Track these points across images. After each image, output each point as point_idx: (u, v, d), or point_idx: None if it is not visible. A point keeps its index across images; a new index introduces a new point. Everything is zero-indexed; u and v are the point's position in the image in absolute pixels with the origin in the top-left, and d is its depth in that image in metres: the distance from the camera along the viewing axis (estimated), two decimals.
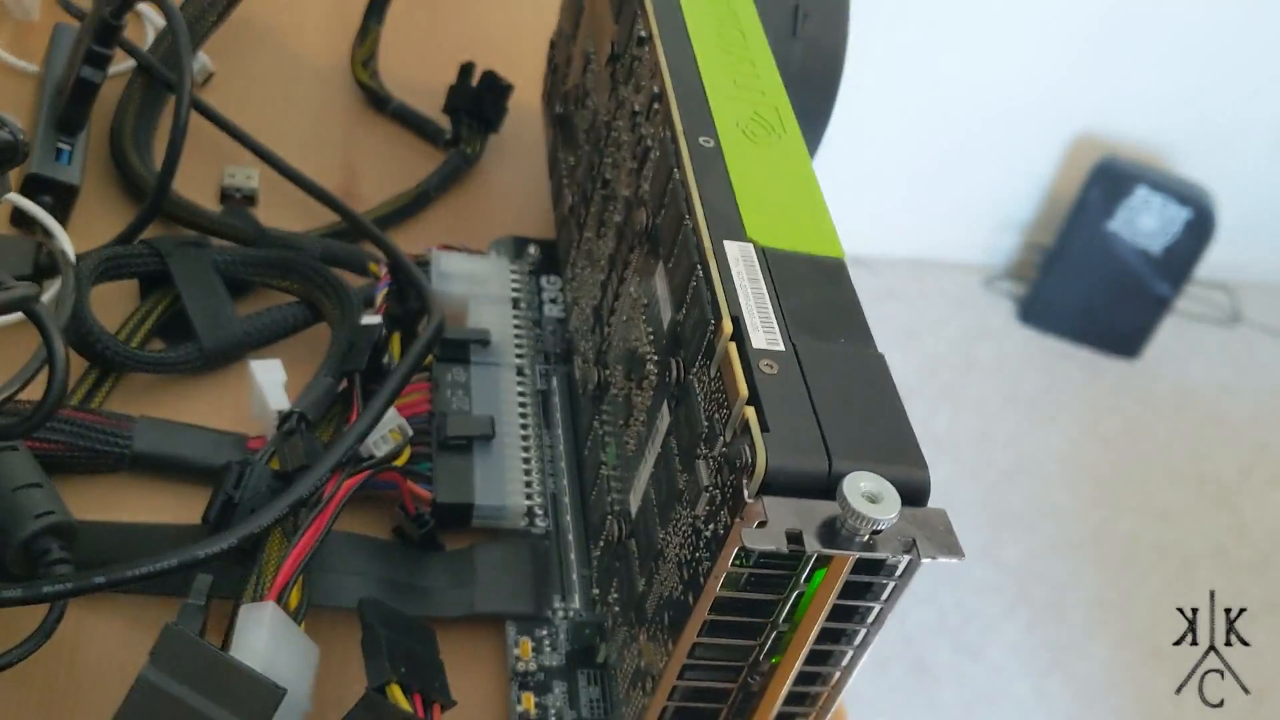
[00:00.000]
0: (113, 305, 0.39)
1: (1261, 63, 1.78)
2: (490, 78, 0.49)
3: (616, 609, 0.32)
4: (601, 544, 0.34)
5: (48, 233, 0.39)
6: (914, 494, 0.25)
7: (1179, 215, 1.76)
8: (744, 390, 0.25)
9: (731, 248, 0.28)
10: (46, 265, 0.38)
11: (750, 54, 0.35)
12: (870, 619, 0.26)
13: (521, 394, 0.39)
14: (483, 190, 0.48)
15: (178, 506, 0.35)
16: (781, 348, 0.26)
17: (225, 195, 0.45)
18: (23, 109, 0.44)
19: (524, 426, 0.38)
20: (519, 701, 0.33)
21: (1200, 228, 1.75)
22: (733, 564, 0.25)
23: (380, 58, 0.52)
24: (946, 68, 1.71)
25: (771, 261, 0.28)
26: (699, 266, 0.28)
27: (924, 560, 0.24)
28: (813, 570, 0.25)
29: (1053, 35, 1.71)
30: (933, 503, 0.25)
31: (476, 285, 0.42)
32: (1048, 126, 1.83)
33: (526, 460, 0.37)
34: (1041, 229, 1.92)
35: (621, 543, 0.32)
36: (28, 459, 0.31)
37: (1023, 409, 1.76)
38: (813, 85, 0.40)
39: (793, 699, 0.27)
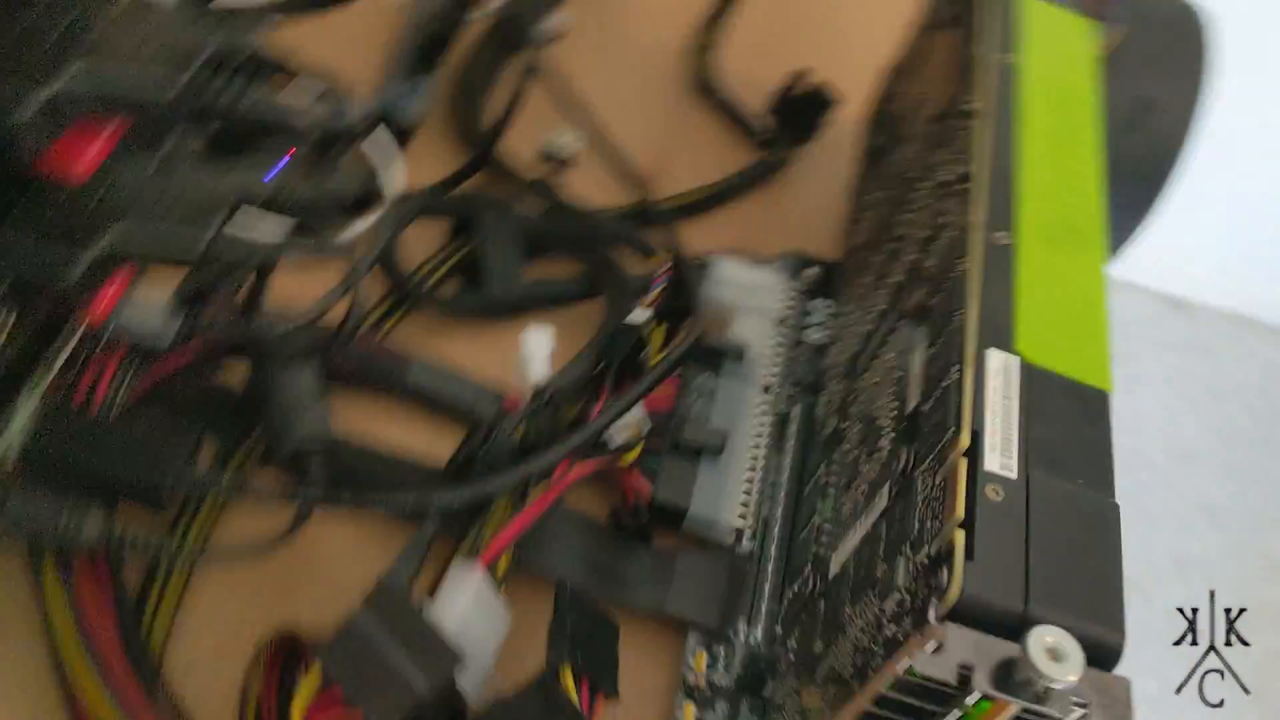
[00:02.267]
0: (419, 243, 0.43)
1: None
2: (818, 90, 0.49)
3: (792, 657, 0.33)
4: (795, 589, 0.35)
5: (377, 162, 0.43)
6: (1103, 656, 0.24)
7: None
8: (961, 512, 0.25)
9: (995, 357, 0.28)
10: (365, 195, 0.42)
11: (1081, 149, 0.34)
12: None
13: (762, 414, 0.40)
14: (781, 199, 0.49)
15: (429, 440, 0.38)
16: (1014, 475, 0.26)
17: (546, 156, 0.47)
18: (378, 42, 0.48)
19: (755, 447, 0.39)
20: (681, 710, 0.34)
21: None
22: (903, 673, 0.25)
23: (719, 46, 0.53)
24: None
25: (1033, 380, 0.28)
26: (955, 369, 0.28)
27: None
28: (979, 700, 0.25)
29: None
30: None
31: (748, 296, 0.43)
32: None
33: (749, 481, 0.38)
34: None
35: (813, 598, 0.33)
36: (315, 376, 0.35)
37: None
38: (1142, 180, 0.38)
39: None
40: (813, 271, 0.45)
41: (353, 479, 0.36)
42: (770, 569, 0.37)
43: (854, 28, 0.58)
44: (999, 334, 0.28)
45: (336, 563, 0.36)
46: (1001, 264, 0.30)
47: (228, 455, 0.36)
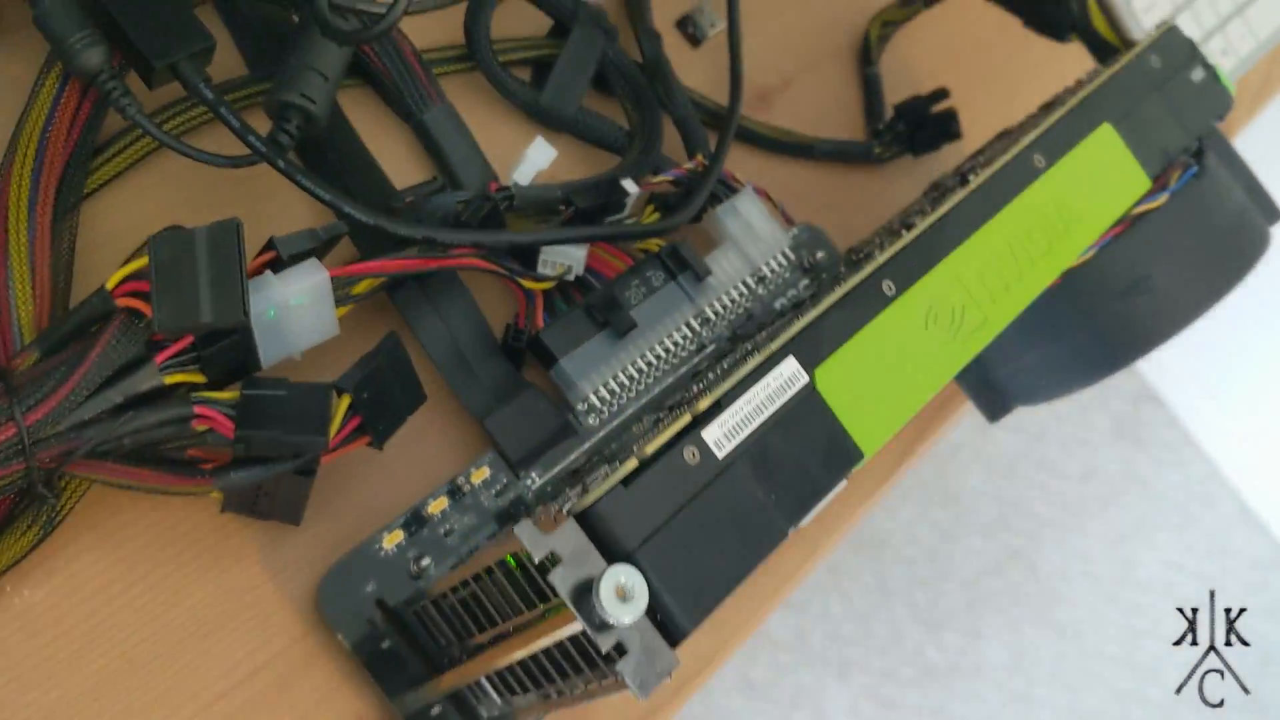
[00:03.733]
0: (515, 22, 0.45)
1: None
2: (950, 117, 0.49)
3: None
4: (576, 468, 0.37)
5: None
6: (670, 630, 0.26)
7: None
8: (649, 451, 0.27)
9: (789, 365, 0.29)
10: None
11: (1032, 269, 0.34)
12: (557, 691, 0.29)
13: (683, 334, 0.42)
14: (850, 191, 0.50)
15: (402, 173, 0.42)
16: (720, 455, 0.28)
17: (679, 23, 0.49)
18: None
19: (655, 353, 0.41)
20: (432, 500, 0.38)
21: None
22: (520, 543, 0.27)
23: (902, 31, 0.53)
24: None
25: (808, 402, 0.29)
26: (756, 350, 0.30)
27: (618, 674, 0.26)
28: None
29: None
30: None
31: (747, 237, 0.44)
32: None
33: (628, 375, 0.40)
34: None
35: (575, 475, 0.35)
36: (339, 57, 0.38)
37: None
38: (1102, 344, 0.38)
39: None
40: (821, 255, 0.46)
41: (319, 157, 0.40)
42: (588, 448, 0.40)
43: (1026, 81, 0.57)
44: (811, 350, 0.30)
45: (277, 220, 0.40)
46: (868, 304, 0.31)
47: (239, 86, 0.40)
